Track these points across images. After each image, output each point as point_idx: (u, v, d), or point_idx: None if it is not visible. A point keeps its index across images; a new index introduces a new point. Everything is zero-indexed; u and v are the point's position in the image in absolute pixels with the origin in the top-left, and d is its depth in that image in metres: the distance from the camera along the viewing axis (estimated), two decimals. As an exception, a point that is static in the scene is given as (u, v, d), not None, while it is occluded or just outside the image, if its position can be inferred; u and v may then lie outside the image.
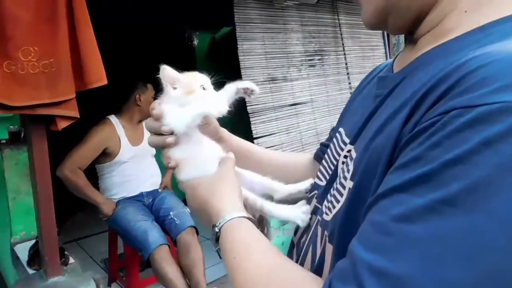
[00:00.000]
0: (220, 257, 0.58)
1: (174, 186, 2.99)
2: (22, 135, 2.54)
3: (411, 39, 0.55)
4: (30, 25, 1.59)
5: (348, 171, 0.50)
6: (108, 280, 2.95)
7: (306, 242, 0.61)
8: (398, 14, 0.51)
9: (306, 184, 0.70)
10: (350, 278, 0.37)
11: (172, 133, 0.65)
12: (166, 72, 0.65)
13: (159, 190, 2.84)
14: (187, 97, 0.65)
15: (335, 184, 0.54)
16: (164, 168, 2.96)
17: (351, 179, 0.48)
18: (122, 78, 2.76)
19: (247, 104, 2.75)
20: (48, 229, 1.88)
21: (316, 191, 0.66)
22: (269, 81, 2.89)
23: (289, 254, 0.69)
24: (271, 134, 2.86)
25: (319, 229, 0.56)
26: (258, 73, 2.83)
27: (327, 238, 0.51)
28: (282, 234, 2.99)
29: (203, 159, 0.67)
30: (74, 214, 4.01)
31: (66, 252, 2.22)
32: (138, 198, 2.70)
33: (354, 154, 0.51)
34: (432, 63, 0.46)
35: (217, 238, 0.56)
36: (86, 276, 2.02)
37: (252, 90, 0.72)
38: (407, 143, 0.39)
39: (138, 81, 2.76)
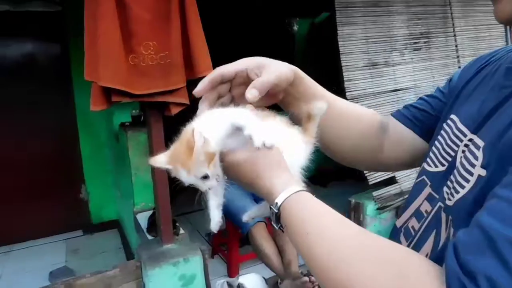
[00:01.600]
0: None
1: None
2: (142, 118, 2.90)
3: None
4: (149, 23, 1.81)
5: (476, 158, 0.50)
6: (211, 253, 3.22)
7: (423, 228, 0.62)
8: None
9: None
10: (487, 252, 0.37)
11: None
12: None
13: None
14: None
15: (456, 170, 0.55)
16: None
17: (483, 166, 0.48)
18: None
19: (346, 91, 2.74)
20: (163, 202, 2.13)
21: (424, 177, 0.67)
22: (369, 66, 2.82)
23: (394, 240, 0.70)
24: (370, 121, 2.80)
25: (443, 215, 0.56)
26: (358, 58, 2.78)
27: (451, 223, 0.52)
28: (378, 223, 2.94)
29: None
30: (185, 190, 4.42)
31: (177, 224, 2.50)
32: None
33: (480, 143, 0.51)
34: None
35: (277, 218, 0.54)
36: (194, 246, 2.26)
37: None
38: None
39: None
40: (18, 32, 3.34)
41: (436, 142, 0.67)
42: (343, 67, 2.71)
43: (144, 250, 2.19)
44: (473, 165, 0.50)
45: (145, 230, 2.48)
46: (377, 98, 2.84)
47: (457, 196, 0.52)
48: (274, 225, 0.56)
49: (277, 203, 0.53)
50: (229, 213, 2.66)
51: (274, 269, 2.40)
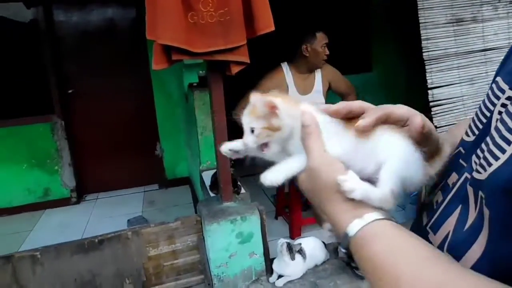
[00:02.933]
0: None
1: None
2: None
3: None
4: (208, -22, 1.78)
5: None
6: (275, 214, 3.27)
7: (447, 201, 0.53)
8: None
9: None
10: None
11: None
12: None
13: None
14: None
15: (489, 136, 0.46)
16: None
17: None
18: (292, 26, 2.82)
19: (423, 50, 2.48)
20: (223, 161, 2.18)
21: (460, 148, 0.57)
22: (453, 23, 2.51)
23: (418, 218, 0.60)
24: (450, 85, 2.53)
25: (469, 189, 0.47)
26: (440, 14, 2.48)
27: (484, 201, 0.43)
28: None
29: None
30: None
31: (239, 183, 2.55)
32: (303, 143, 2.83)
33: None
34: None
35: (349, 255, 0.47)
36: (253, 205, 2.30)
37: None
38: None
39: (306, 30, 2.74)
40: (99, -3, 3.55)
41: (477, 110, 0.56)
42: (421, 24, 2.45)
43: (204, 206, 2.28)
44: (511, 131, 0.40)
45: (208, 188, 2.57)
46: (460, 59, 2.54)
47: (489, 169, 0.42)
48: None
49: (345, 239, 0.45)
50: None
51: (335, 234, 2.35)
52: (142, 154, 3.94)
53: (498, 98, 0.50)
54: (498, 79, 0.54)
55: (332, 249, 2.50)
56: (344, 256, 2.15)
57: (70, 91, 3.64)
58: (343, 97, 3.03)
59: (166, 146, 3.92)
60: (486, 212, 0.42)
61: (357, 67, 4.28)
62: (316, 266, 2.38)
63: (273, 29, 1.92)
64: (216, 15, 1.85)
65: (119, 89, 3.77)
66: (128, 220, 3.27)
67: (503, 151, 0.41)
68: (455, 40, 2.53)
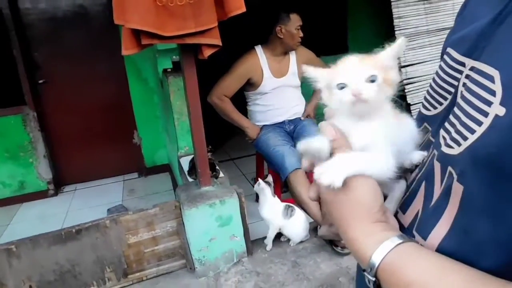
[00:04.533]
0: None
1: (317, 115, 3.03)
2: (183, 64, 2.90)
3: None
4: (175, -41, 1.74)
5: (492, 93, 0.39)
6: (256, 197, 3.29)
7: (415, 181, 0.53)
8: None
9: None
10: None
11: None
12: (305, 70, 0.52)
13: (302, 118, 2.91)
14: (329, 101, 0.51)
15: (458, 110, 0.44)
16: (308, 97, 3.00)
17: (502, 104, 0.37)
18: (265, 8, 2.79)
19: (395, 28, 2.50)
20: (199, 145, 2.17)
21: (425, 124, 0.56)
22: (424, 0, 2.53)
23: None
24: (422, 62, 2.57)
25: (437, 164, 0.46)
26: (411, -9, 2.50)
27: (455, 177, 0.41)
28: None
29: None
30: (233, 137, 4.50)
31: (217, 167, 2.55)
32: (280, 125, 2.83)
33: (493, 72, 0.40)
34: None
35: (377, 286, 0.43)
36: (232, 189, 2.30)
37: None
38: None
39: (280, 11, 2.70)
40: (67, -19, 3.43)
41: (432, 83, 0.56)
42: (392, 3, 2.46)
43: (183, 192, 2.27)
44: (488, 103, 0.39)
45: (186, 173, 2.56)
46: (432, 37, 2.58)
47: (464, 144, 0.41)
48: None
49: (370, 269, 0.43)
50: (270, 159, 2.66)
51: (313, 215, 2.39)
52: (119, 143, 3.88)
53: (457, 70, 0.50)
54: (450, 50, 0.54)
55: (312, 228, 2.54)
56: (324, 235, 2.18)
57: (41, 81, 3.54)
58: None
59: (144, 134, 3.88)
60: (459, 188, 0.41)
61: (333, 47, 4.29)
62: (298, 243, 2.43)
63: (244, 11, 1.90)
64: (185, -3, 1.81)
65: (92, 77, 3.68)
66: (108, 210, 3.24)
67: (479, 123, 0.40)
68: (426, 18, 2.57)
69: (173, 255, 2.28)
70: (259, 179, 2.43)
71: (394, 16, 2.49)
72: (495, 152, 0.37)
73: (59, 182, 3.80)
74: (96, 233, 2.09)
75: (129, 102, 3.75)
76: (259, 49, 2.77)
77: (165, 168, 3.97)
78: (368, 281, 0.44)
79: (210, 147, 2.49)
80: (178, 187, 2.42)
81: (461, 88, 0.47)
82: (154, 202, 3.25)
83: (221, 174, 2.53)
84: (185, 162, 2.71)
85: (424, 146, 0.55)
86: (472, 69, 0.45)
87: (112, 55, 3.57)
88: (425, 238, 0.44)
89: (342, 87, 0.48)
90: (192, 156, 2.69)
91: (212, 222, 2.18)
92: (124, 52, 1.84)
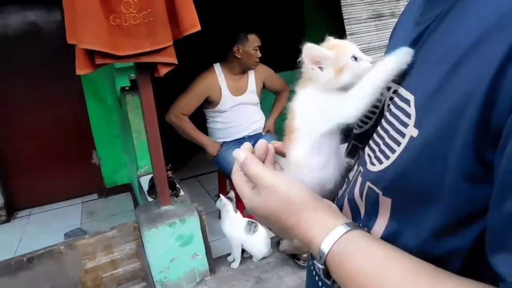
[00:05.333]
0: None
1: (277, 130, 3.07)
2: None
3: None
4: (128, -21, 1.74)
5: (408, 116, 0.42)
6: (219, 213, 3.27)
7: (342, 194, 0.55)
8: None
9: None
10: None
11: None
12: (309, 51, 0.52)
13: (262, 133, 2.94)
14: (337, 78, 0.52)
15: (383, 131, 0.47)
16: (268, 112, 3.04)
17: (416, 126, 0.41)
18: (223, 26, 2.81)
19: None
20: (158, 164, 2.14)
21: (353, 141, 0.60)
22: (374, 18, 2.66)
23: None
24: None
25: (359, 179, 0.50)
26: (362, 10, 2.62)
27: (380, 192, 0.45)
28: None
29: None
30: (196, 154, 4.46)
31: (177, 186, 2.52)
32: (241, 141, 2.85)
33: (410, 97, 0.43)
34: None
35: (326, 273, 0.44)
36: (192, 207, 2.28)
37: None
38: None
39: (238, 31, 2.71)
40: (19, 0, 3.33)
41: None
42: (345, 20, 2.56)
43: (142, 212, 2.23)
44: (405, 125, 0.42)
45: (146, 193, 2.51)
46: (383, 52, 2.69)
47: (387, 162, 0.44)
48: (326, 281, 0.45)
49: (321, 255, 0.44)
50: (230, 175, 2.66)
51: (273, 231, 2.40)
52: (77, 164, 3.75)
53: (381, 93, 0.53)
54: None
55: (275, 242, 2.54)
56: (286, 249, 2.20)
57: (-9, 102, 3.39)
58: (277, 94, 3.09)
59: (103, 153, 3.77)
60: (386, 201, 0.44)
61: (291, 63, 4.37)
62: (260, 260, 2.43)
63: (199, 29, 1.92)
64: (139, 16, 1.81)
65: (47, 97, 3.55)
66: (65, 234, 3.11)
67: (398, 143, 0.43)
68: (377, 34, 2.68)
69: (133, 278, 2.22)
70: (220, 195, 2.42)
71: (347, 32, 2.59)
72: (410, 170, 0.41)
73: (12, 208, 3.61)
74: (50, 261, 2.00)
75: (87, 121, 3.65)
76: (217, 67, 2.78)
77: (126, 188, 3.88)
78: (318, 269, 0.45)
79: (169, 165, 2.46)
80: (137, 208, 2.37)
81: (386, 109, 0.50)
82: (114, 224, 3.16)
83: (182, 193, 2.50)
84: (145, 182, 2.66)
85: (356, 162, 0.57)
86: (394, 92, 0.48)
87: (68, 74, 3.43)
88: None
89: (355, 58, 0.51)
90: (151, 175, 2.65)
91: (172, 242, 2.14)
92: (78, 72, 1.80)
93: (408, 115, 0.42)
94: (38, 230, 3.33)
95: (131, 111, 2.72)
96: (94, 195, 3.90)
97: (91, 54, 1.80)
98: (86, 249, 2.07)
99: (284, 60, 4.27)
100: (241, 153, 0.54)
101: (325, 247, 0.43)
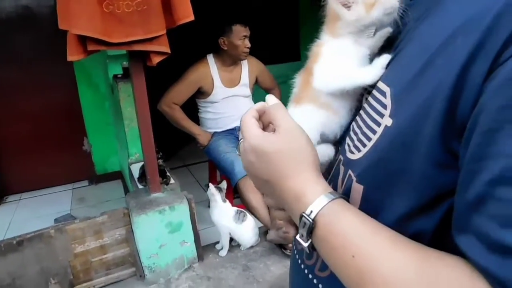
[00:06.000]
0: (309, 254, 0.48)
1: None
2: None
3: None
4: (122, -34, 1.74)
5: (384, 106, 0.45)
6: (208, 202, 3.30)
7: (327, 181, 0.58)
8: None
9: None
10: None
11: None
12: None
13: None
14: (369, 13, 0.49)
15: (361, 121, 0.50)
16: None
17: (391, 116, 0.44)
18: (216, 18, 2.80)
19: None
20: (148, 152, 2.16)
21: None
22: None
23: None
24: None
25: (342, 168, 0.53)
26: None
27: (354, 179, 0.48)
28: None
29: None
30: (187, 144, 4.48)
31: (168, 174, 2.54)
32: (231, 132, 2.87)
33: (386, 89, 0.46)
34: None
35: (310, 231, 0.45)
36: (181, 195, 2.31)
37: None
38: (500, 84, 0.33)
39: (222, 23, 2.67)
40: (11, -18, 3.29)
41: None
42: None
43: (132, 199, 2.25)
44: (381, 115, 0.46)
45: (136, 180, 2.54)
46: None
47: (364, 150, 0.48)
48: (302, 242, 0.46)
49: (310, 213, 0.44)
50: (220, 166, 2.69)
51: (261, 220, 2.45)
52: (68, 150, 3.75)
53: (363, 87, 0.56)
54: None
55: (262, 232, 2.59)
56: (273, 239, 2.23)
57: (-18, 85, 3.36)
58: (267, 91, 3.09)
59: (95, 140, 3.78)
60: (359, 187, 0.47)
61: (285, 56, 4.40)
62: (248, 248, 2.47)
63: (193, 19, 1.93)
64: (133, 4, 1.82)
65: (40, 81, 3.54)
66: (55, 219, 3.12)
67: (374, 132, 0.46)
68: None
69: (123, 263, 2.25)
70: (210, 184, 2.46)
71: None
72: (383, 156, 0.44)
73: (2, 192, 3.61)
74: (39, 244, 2.02)
75: (79, 108, 3.64)
76: (210, 58, 2.78)
77: (117, 175, 3.89)
78: (303, 225, 0.45)
79: (160, 153, 2.49)
80: (127, 194, 2.39)
81: (364, 102, 0.53)
82: (104, 210, 3.20)
83: (172, 181, 2.52)
84: (136, 169, 2.69)
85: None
86: (373, 86, 0.51)
87: (60, 59, 3.43)
88: None
89: None
90: (142, 162, 2.67)
91: (162, 229, 2.17)
92: (70, 58, 1.81)
93: (384, 105, 0.45)
94: (28, 215, 3.34)
95: (123, 98, 2.73)
96: (85, 181, 3.90)
97: (83, 40, 1.81)
98: (76, 233, 2.09)
99: (278, 53, 4.31)
100: (273, 97, 0.53)
101: (318, 204, 0.44)
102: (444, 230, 0.40)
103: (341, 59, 0.52)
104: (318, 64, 0.54)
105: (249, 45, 2.68)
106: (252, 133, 0.49)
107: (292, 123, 0.49)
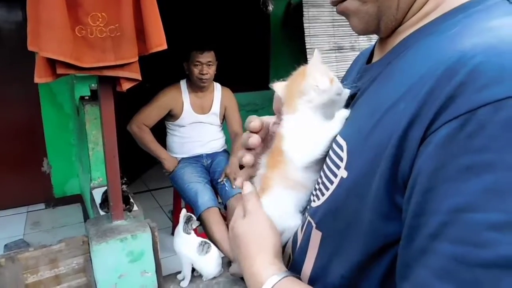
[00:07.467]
0: None
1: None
2: (102, 93, 2.83)
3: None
4: (97, -7, 1.74)
5: (341, 159, 0.49)
6: (172, 230, 3.24)
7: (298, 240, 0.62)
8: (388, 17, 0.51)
9: None
10: None
11: None
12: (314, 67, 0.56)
13: (219, 180, 2.80)
14: (332, 88, 0.54)
15: (322, 172, 0.54)
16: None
17: (346, 168, 0.48)
18: (179, 45, 2.82)
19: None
20: (113, 178, 2.11)
21: None
22: (335, 50, 2.80)
23: None
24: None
25: (306, 215, 0.57)
26: (324, 42, 2.76)
27: (314, 225, 0.52)
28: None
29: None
30: (151, 168, 4.40)
31: (131, 200, 2.48)
32: (198, 159, 2.86)
33: (343, 143, 0.50)
34: (421, 50, 0.45)
35: None
36: (144, 223, 2.25)
37: None
38: (432, 150, 0.37)
39: (186, 48, 2.71)
40: (-23, -4, 3.20)
41: None
42: (307, 50, 2.69)
43: (92, 226, 2.17)
44: (338, 167, 0.50)
45: (98, 206, 2.45)
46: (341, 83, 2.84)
47: (323, 198, 0.52)
48: None
49: None
50: (185, 195, 2.66)
51: (224, 253, 2.43)
52: (25, 170, 3.59)
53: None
54: None
55: (226, 262, 2.55)
56: (235, 273, 2.21)
57: None
58: (231, 136, 2.97)
59: (55, 162, 3.64)
60: (317, 234, 0.51)
61: (255, 84, 4.47)
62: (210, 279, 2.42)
63: (166, 48, 1.94)
64: (106, 30, 1.81)
65: (0, 97, 3.41)
66: (5, 245, 2.95)
67: (331, 182, 0.50)
68: (337, 65, 2.83)
69: (78, 294, 2.14)
70: (183, 210, 2.38)
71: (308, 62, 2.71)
72: (339, 206, 0.48)
73: (-52, 213, 3.39)
74: (-13, 273, 1.89)
75: (41, 127, 3.52)
76: (183, 83, 2.81)
77: (77, 199, 3.74)
78: None
79: (125, 179, 2.43)
80: (87, 221, 2.30)
81: (328, 154, 0.57)
82: (61, 236, 3.04)
83: (135, 207, 2.46)
84: (98, 194, 2.60)
85: None
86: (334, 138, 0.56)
87: (24, 76, 3.35)
88: (299, 273, 0.54)
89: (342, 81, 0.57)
90: (105, 188, 2.60)
91: (122, 258, 2.10)
92: (37, 80, 1.76)
93: (341, 158, 0.50)
94: (-24, 239, 3.14)
95: (89, 121, 2.67)
96: (41, 204, 3.74)
97: (52, 63, 1.77)
98: (29, 262, 1.98)
99: (248, 82, 4.37)
100: (249, 185, 0.61)
101: (267, 286, 0.50)
102: (390, 277, 0.44)
103: (307, 127, 0.56)
104: (287, 143, 0.57)
105: (205, 71, 2.66)
106: (234, 215, 0.61)
107: (258, 210, 0.57)
